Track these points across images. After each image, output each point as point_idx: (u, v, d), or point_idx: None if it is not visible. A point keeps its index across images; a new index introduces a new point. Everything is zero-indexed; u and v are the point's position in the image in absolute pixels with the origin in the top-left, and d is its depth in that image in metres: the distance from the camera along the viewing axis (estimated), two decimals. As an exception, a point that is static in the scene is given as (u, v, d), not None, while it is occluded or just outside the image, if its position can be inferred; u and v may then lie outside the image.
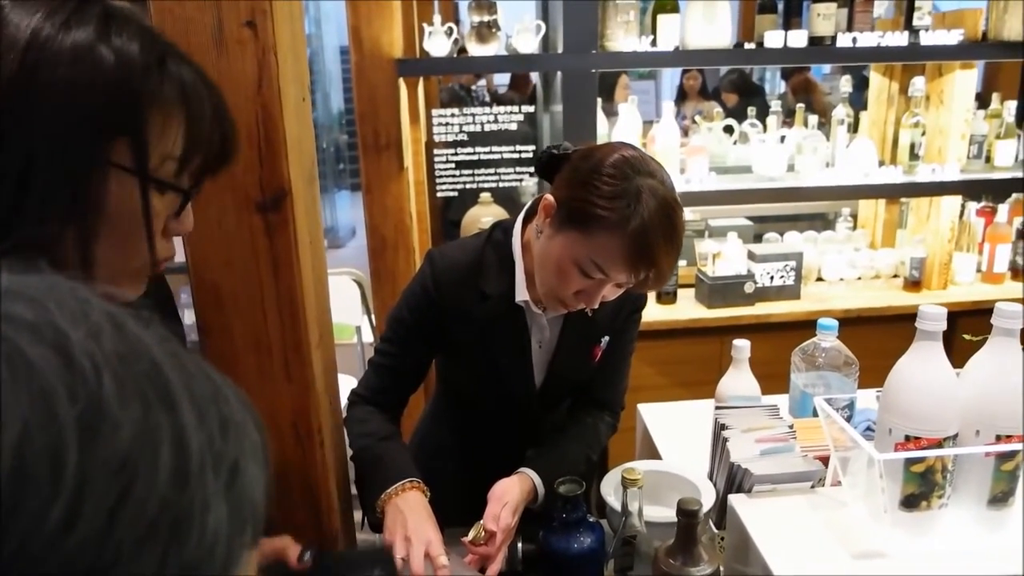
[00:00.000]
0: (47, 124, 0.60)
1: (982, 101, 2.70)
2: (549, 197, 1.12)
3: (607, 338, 1.31)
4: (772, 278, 2.53)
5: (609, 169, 1.05)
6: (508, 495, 1.18)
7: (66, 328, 0.29)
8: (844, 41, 2.31)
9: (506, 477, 1.22)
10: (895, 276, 2.72)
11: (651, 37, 2.29)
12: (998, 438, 0.96)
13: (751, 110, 2.95)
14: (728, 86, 4.65)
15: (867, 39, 2.31)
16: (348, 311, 2.80)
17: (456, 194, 2.62)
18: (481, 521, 1.15)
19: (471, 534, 1.14)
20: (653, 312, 2.50)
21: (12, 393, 0.26)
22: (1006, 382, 0.95)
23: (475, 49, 2.30)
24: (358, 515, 1.29)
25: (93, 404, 0.27)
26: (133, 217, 0.64)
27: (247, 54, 0.89)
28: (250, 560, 0.34)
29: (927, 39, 2.33)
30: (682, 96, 4.83)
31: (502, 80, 4.82)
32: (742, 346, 1.37)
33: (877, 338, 2.22)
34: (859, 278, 2.72)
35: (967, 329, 1.47)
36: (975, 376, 0.98)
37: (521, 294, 1.21)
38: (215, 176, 0.71)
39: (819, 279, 2.73)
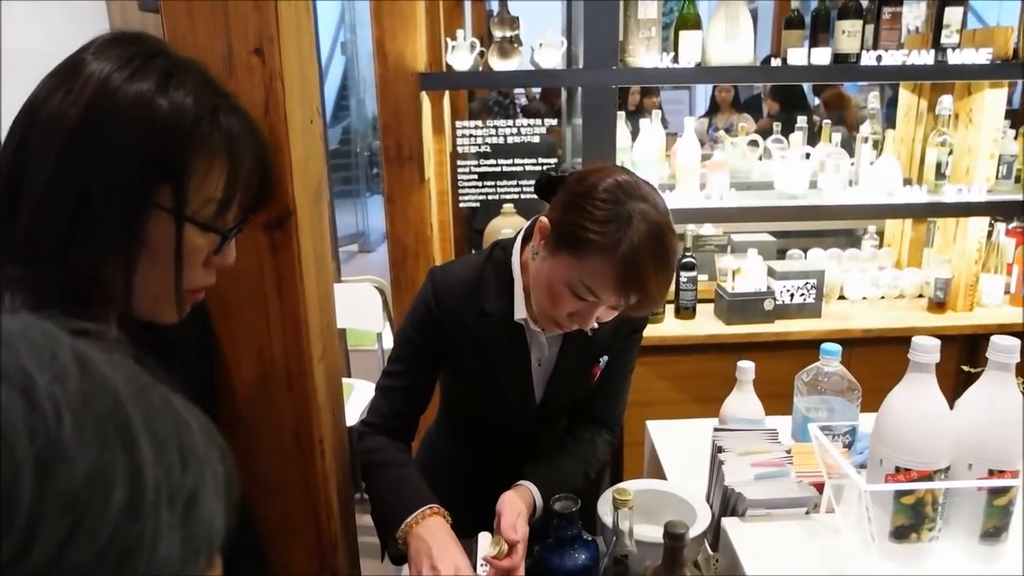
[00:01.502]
0: (104, 164, 0.68)
1: (1016, 120, 2.65)
2: (544, 220, 1.14)
3: (606, 358, 1.32)
4: (792, 296, 2.51)
5: (602, 194, 1.06)
6: (518, 505, 1.19)
7: (33, 372, 0.31)
8: (868, 59, 2.30)
9: (506, 490, 1.24)
10: (920, 296, 2.69)
11: (672, 53, 2.30)
12: (991, 472, 0.95)
13: (776, 126, 2.93)
14: (771, 93, 4.61)
15: (892, 57, 2.29)
16: (370, 318, 2.84)
17: (479, 204, 2.65)
18: (497, 535, 1.15)
19: (493, 550, 1.13)
20: (670, 327, 2.50)
21: None
22: (1000, 416, 0.95)
23: (497, 64, 2.33)
24: (361, 518, 1.31)
25: (51, 444, 0.30)
26: (171, 252, 0.71)
27: (255, 80, 0.92)
28: None
29: (954, 58, 2.30)
30: (715, 108, 4.81)
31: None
32: (746, 368, 1.37)
33: (897, 360, 2.17)
34: (882, 297, 2.69)
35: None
36: (969, 409, 0.98)
37: (520, 312, 1.23)
38: (257, 215, 0.80)
39: (841, 297, 2.70)
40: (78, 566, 0.29)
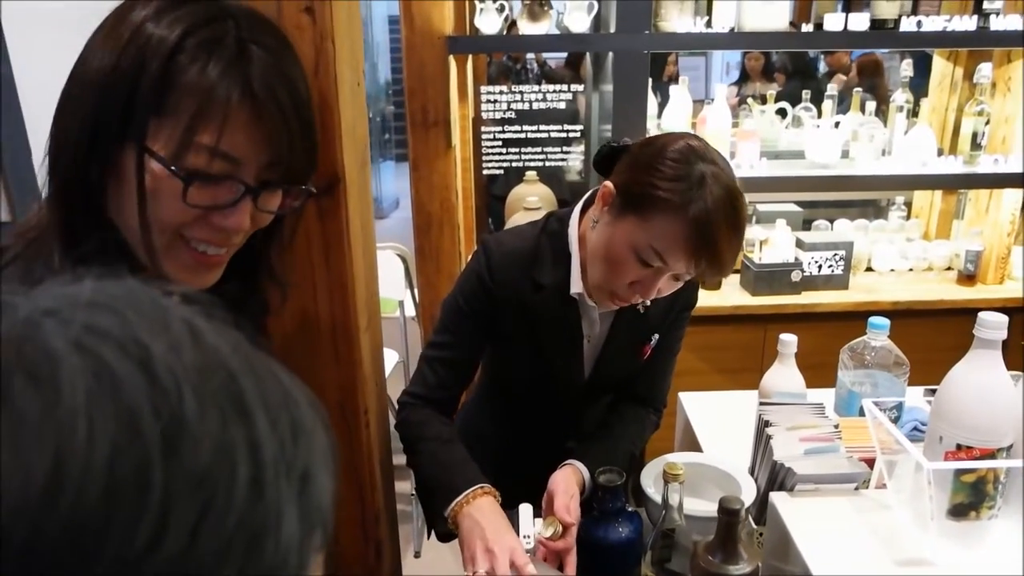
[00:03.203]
0: (87, 87, 0.66)
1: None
2: (608, 184, 1.10)
3: (657, 336, 1.30)
4: (820, 267, 2.48)
5: (672, 154, 1.03)
6: (571, 487, 1.18)
7: (148, 342, 0.29)
8: (908, 25, 2.23)
9: (551, 468, 1.22)
10: (948, 269, 2.65)
11: (706, 18, 2.24)
12: (1055, 451, 0.94)
13: (806, 93, 2.87)
14: (779, 66, 4.52)
15: (933, 23, 2.23)
16: (392, 285, 2.82)
17: (502, 172, 2.61)
18: (551, 516, 1.13)
19: (548, 531, 1.12)
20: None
21: (100, 410, 0.27)
22: (1067, 394, 0.93)
23: (526, 27, 2.27)
24: (401, 485, 1.30)
25: (175, 420, 0.28)
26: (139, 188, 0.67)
27: (305, 40, 0.89)
28: (318, 563, 0.35)
29: (997, 24, 2.23)
30: (744, 76, 4.70)
31: (553, 54, 4.75)
32: (789, 341, 1.34)
33: (926, 333, 2.17)
34: (911, 270, 2.65)
35: (1023, 327, 1.41)
36: (1034, 386, 0.95)
37: (576, 286, 1.19)
38: (291, 185, 0.74)
39: (869, 269, 2.67)
40: (211, 552, 0.27)
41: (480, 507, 1.11)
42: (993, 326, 0.91)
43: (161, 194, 0.68)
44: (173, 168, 0.66)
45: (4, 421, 0.25)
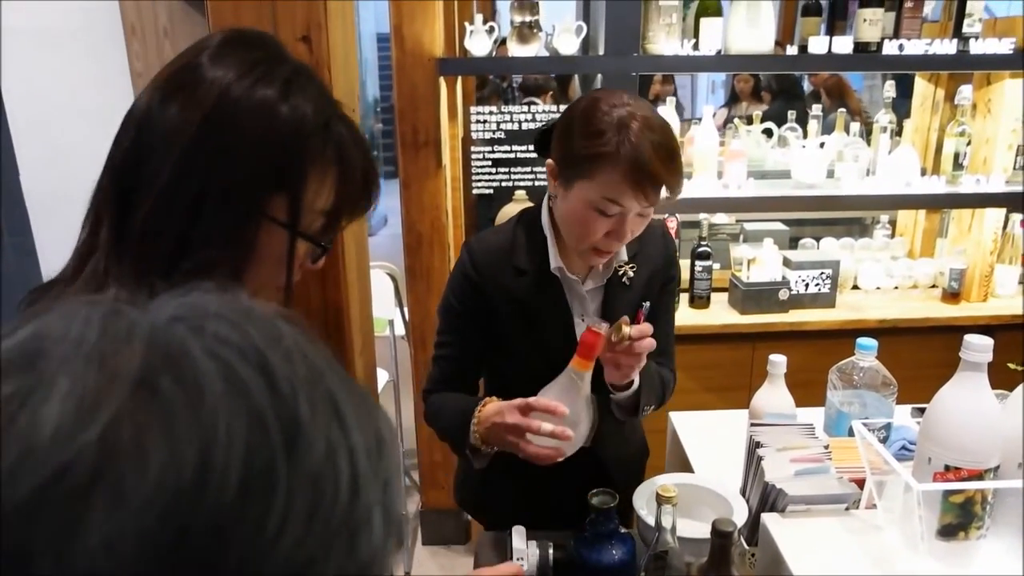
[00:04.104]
0: (221, 173, 0.68)
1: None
2: (549, 162, 1.21)
3: (647, 304, 1.32)
4: (807, 285, 2.51)
5: (586, 112, 1.14)
6: None
7: (265, 351, 0.32)
8: (890, 48, 2.27)
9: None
10: (933, 286, 2.68)
11: (693, 40, 2.27)
12: (1041, 471, 0.95)
13: (791, 114, 2.91)
14: (765, 86, 4.57)
15: (914, 47, 2.27)
16: (381, 304, 2.82)
17: (492, 191, 2.62)
18: (615, 324, 1.16)
19: (616, 336, 1.14)
20: (685, 316, 2.49)
21: (234, 411, 0.29)
22: (1051, 415, 0.94)
23: (516, 49, 2.30)
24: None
25: (293, 424, 0.30)
26: (277, 260, 0.72)
27: (302, 68, 0.90)
28: (394, 567, 0.37)
29: (977, 47, 2.28)
30: (734, 98, 4.75)
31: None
32: (778, 361, 1.36)
33: (912, 350, 2.19)
34: (896, 287, 2.69)
35: (1006, 343, 1.44)
36: (1019, 406, 0.97)
37: (555, 261, 1.27)
38: (351, 223, 0.80)
39: (855, 287, 2.70)
40: (318, 548, 0.30)
41: (486, 416, 1.19)
42: (979, 349, 0.93)
43: (296, 260, 0.74)
44: (322, 244, 0.74)
45: (159, 420, 0.28)
